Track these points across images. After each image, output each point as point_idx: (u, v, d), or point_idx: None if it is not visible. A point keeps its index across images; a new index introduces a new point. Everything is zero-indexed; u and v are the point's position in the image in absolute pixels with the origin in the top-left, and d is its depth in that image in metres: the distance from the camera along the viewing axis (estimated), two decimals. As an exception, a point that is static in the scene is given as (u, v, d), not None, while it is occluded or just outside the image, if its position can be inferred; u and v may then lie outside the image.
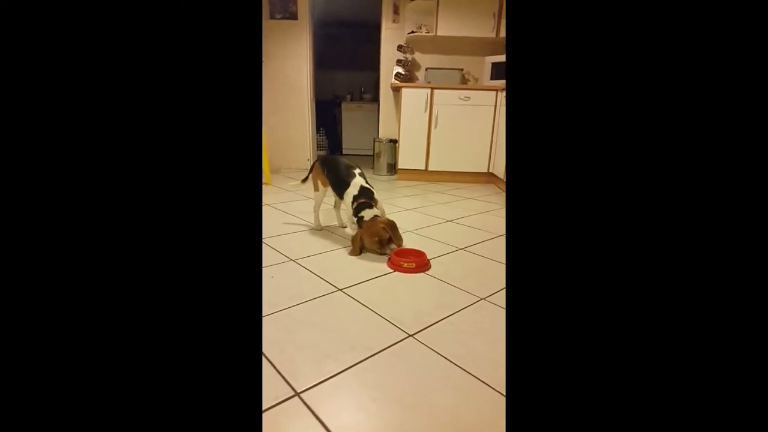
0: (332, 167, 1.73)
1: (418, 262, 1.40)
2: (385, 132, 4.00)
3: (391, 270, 1.41)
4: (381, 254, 1.52)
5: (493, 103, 3.24)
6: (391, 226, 1.53)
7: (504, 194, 2.96)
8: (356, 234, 1.55)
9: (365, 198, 1.59)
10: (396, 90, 3.80)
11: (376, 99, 4.30)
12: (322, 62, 5.52)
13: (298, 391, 0.76)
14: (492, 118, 3.28)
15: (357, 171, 1.68)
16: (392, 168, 3.77)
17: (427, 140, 3.37)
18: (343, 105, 5.79)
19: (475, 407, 0.73)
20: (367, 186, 1.64)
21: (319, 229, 1.89)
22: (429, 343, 0.94)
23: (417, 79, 3.83)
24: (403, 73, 3.64)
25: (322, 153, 4.86)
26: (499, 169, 3.08)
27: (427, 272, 1.39)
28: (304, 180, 1.99)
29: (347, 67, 5.93)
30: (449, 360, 0.88)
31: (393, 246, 1.52)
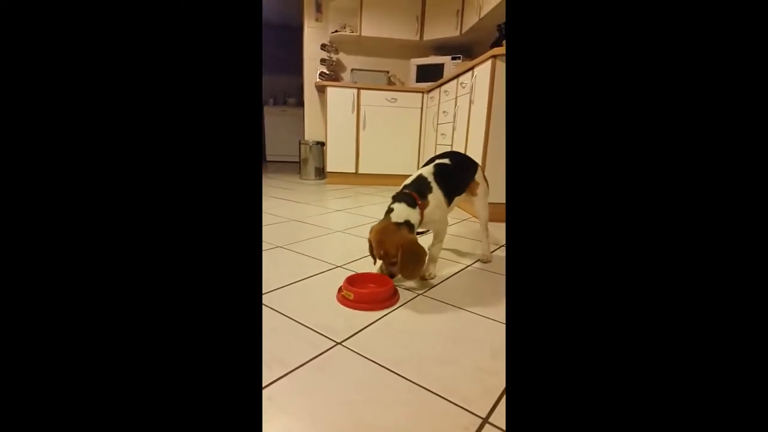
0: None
1: (362, 297, 0.94)
2: (311, 134, 3.79)
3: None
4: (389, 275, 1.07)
5: (420, 105, 3.24)
6: (409, 246, 0.99)
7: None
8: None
9: (414, 189, 1.08)
10: (321, 90, 3.63)
11: (300, 104, 4.07)
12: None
13: None
14: (419, 120, 3.27)
15: (442, 160, 1.18)
16: (320, 172, 3.57)
17: (356, 142, 3.24)
18: (265, 109, 5.46)
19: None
20: (428, 178, 1.11)
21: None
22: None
23: (342, 79, 3.71)
24: (327, 72, 3.50)
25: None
26: (429, 169, 3.05)
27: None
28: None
29: (268, 70, 5.62)
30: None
31: (395, 272, 1.04)
